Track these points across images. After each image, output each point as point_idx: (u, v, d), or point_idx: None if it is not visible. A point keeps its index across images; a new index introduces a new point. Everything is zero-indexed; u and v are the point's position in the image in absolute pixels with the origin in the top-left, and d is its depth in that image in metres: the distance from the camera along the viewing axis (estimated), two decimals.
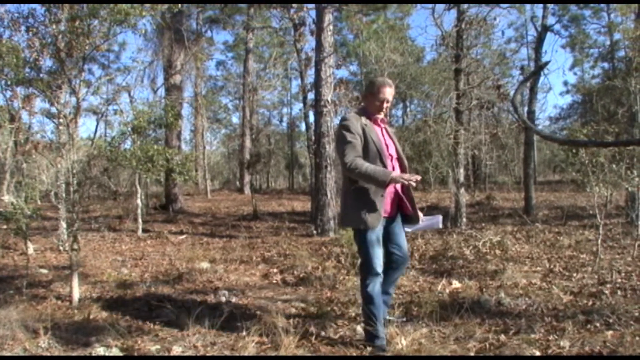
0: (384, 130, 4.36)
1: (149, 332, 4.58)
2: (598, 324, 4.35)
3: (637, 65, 11.84)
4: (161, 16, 15.07)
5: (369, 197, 4.06)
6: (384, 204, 4.12)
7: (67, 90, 9.47)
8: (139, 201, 11.92)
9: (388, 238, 4.31)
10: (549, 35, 14.44)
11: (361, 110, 4.39)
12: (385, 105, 4.24)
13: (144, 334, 4.52)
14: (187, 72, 22.87)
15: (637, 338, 3.97)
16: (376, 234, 4.10)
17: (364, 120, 4.21)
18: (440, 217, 4.62)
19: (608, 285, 5.72)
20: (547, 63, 15.29)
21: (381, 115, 4.32)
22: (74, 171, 6.06)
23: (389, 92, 4.21)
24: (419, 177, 3.87)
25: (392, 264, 4.36)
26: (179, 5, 12.24)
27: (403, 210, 4.37)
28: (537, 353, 3.80)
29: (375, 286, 4.10)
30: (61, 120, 9.07)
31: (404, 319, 4.70)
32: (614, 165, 7.74)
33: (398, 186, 4.23)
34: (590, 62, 34.37)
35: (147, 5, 9.09)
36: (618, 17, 23.02)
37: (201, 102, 27.64)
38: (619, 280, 5.99)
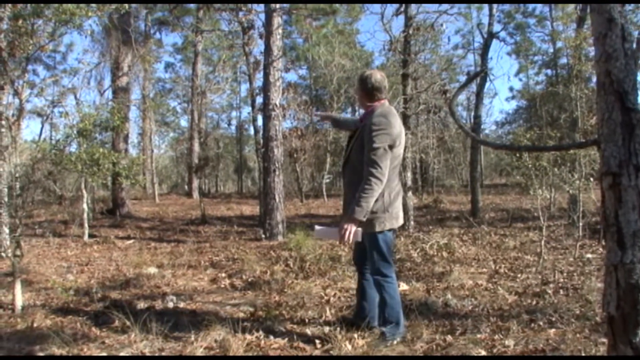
0: (358, 132, 4.09)
1: (95, 339, 4.46)
2: (541, 323, 4.46)
3: (577, 72, 12.22)
4: (108, 17, 14.80)
5: None
6: None
7: (9, 92, 9.23)
8: (85, 206, 11.65)
9: None
10: (494, 42, 14.78)
11: None
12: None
13: (89, 341, 4.41)
14: (135, 74, 22.57)
15: (578, 335, 4.09)
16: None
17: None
18: (336, 230, 3.87)
19: (551, 285, 5.88)
20: (481, 72, 15.64)
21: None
22: (17, 175, 5.93)
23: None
24: None
25: None
26: (127, 5, 12.03)
27: None
28: (483, 352, 3.86)
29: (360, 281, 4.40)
30: (3, 122, 8.85)
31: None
32: (556, 169, 8.00)
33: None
34: (534, 68, 35.09)
35: (94, 5, 8.95)
36: (560, 26, 23.65)
37: (149, 104, 27.18)
38: (561, 279, 6.16)
